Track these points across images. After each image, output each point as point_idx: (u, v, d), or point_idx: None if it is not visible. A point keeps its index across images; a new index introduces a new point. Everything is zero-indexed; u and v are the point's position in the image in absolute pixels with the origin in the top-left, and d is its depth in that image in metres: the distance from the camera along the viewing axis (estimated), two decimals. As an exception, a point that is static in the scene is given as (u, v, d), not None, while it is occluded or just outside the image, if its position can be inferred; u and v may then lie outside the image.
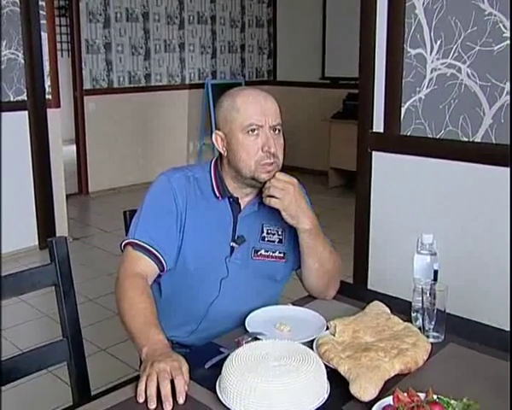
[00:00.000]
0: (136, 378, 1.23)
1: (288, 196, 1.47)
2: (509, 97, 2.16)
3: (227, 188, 1.58)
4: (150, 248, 1.50)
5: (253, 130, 1.49)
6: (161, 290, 1.62)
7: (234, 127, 1.51)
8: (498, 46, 2.16)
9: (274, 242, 1.60)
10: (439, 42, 2.31)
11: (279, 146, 1.52)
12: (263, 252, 1.59)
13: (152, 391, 1.15)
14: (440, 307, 1.39)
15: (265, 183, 1.50)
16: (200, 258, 1.55)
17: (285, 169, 1.57)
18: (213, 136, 1.57)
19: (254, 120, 1.49)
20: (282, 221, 1.54)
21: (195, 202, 1.56)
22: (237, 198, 1.58)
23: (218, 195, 1.57)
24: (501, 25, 2.14)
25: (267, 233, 1.60)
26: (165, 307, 1.61)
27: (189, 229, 1.55)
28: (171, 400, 1.14)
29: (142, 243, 1.50)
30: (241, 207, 1.59)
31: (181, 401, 1.15)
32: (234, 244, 1.57)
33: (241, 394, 1.11)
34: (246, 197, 1.59)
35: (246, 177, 1.53)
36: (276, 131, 1.52)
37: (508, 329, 1.54)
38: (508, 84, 2.15)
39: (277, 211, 1.52)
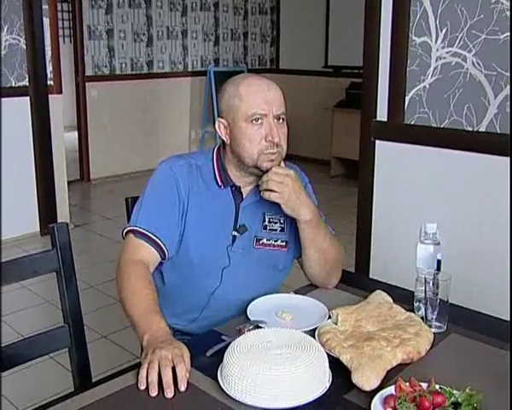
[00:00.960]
0: (138, 365, 1.23)
1: (286, 188, 1.45)
2: (514, 87, 2.14)
3: (229, 176, 1.57)
4: (151, 236, 1.50)
5: (256, 119, 1.48)
6: (163, 278, 1.62)
7: (237, 116, 1.49)
8: (504, 35, 2.14)
9: (276, 230, 1.59)
10: (444, 30, 2.29)
11: (283, 135, 1.51)
12: (265, 241, 1.59)
13: (153, 378, 1.15)
14: (443, 297, 1.39)
15: (263, 175, 1.49)
16: (202, 247, 1.55)
17: (287, 158, 1.57)
18: (216, 123, 1.56)
19: (258, 109, 1.47)
20: None
21: (198, 190, 1.55)
22: (239, 187, 1.57)
23: (220, 183, 1.56)
24: (508, 13, 2.12)
25: (269, 222, 1.59)
26: (167, 295, 1.60)
27: (190, 217, 1.54)
28: (172, 387, 1.14)
29: (144, 231, 1.50)
30: (243, 195, 1.58)
31: (182, 388, 1.15)
32: (236, 233, 1.56)
33: (243, 382, 1.11)
34: (248, 186, 1.58)
35: (248, 165, 1.52)
36: (280, 120, 1.51)
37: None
38: (513, 73, 2.13)
39: None
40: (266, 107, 1.47)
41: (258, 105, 1.47)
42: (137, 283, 1.42)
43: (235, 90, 1.50)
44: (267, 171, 1.50)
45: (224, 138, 1.55)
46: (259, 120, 1.48)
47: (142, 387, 1.16)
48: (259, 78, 1.54)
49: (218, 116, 1.56)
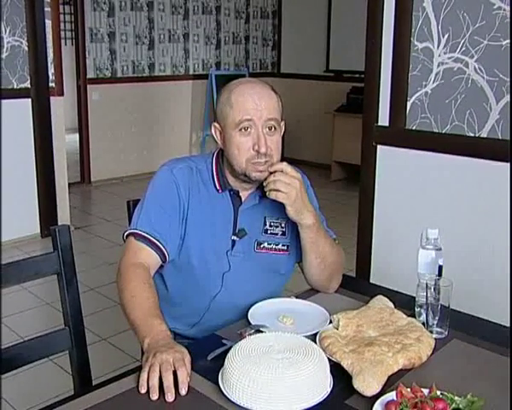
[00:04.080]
0: (138, 368, 1.23)
1: (294, 190, 1.44)
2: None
3: (227, 181, 1.56)
4: (152, 239, 1.49)
5: (245, 128, 1.46)
6: (165, 282, 1.61)
7: (227, 123, 1.49)
8: (506, 41, 2.14)
9: (277, 234, 1.59)
10: (446, 36, 2.29)
11: (273, 144, 1.48)
12: (266, 245, 1.58)
13: (154, 382, 1.15)
14: (444, 303, 1.39)
15: (269, 175, 1.47)
16: (203, 251, 1.55)
17: (288, 162, 1.55)
18: (212, 127, 1.56)
19: (246, 116, 1.45)
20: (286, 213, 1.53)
21: (198, 194, 1.55)
22: (237, 191, 1.57)
23: (218, 187, 1.56)
24: (509, 19, 2.12)
25: (270, 226, 1.59)
26: (168, 299, 1.60)
27: (191, 221, 1.54)
28: (173, 391, 1.14)
29: (144, 234, 1.50)
30: (242, 199, 1.57)
31: (183, 392, 1.15)
32: (235, 238, 1.56)
33: (244, 386, 1.11)
34: (246, 190, 1.57)
35: (238, 173, 1.51)
36: (272, 129, 1.48)
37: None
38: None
39: (280, 203, 1.50)
40: (254, 114, 1.45)
41: (246, 112, 1.46)
42: (138, 286, 1.42)
43: (227, 97, 1.49)
44: (257, 181, 1.50)
45: (219, 142, 1.55)
46: (248, 129, 1.46)
47: (143, 390, 1.16)
48: (253, 85, 1.51)
49: (214, 120, 1.56)
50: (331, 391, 1.15)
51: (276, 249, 1.59)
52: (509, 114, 2.17)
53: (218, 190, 1.56)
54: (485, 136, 2.24)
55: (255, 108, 1.45)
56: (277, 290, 1.65)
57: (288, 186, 1.44)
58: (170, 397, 1.13)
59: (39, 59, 4.34)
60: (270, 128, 1.48)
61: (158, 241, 1.50)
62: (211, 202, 1.56)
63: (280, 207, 1.53)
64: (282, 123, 1.56)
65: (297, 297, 1.61)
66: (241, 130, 1.47)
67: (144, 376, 1.17)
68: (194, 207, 1.54)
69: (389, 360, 1.22)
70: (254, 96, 1.47)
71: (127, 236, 1.54)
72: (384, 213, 2.61)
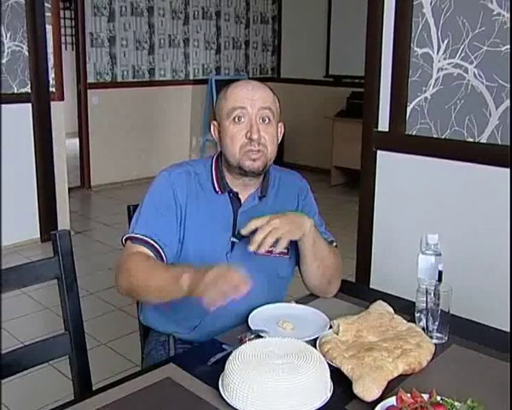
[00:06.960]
0: (138, 373, 1.23)
1: (280, 229, 1.42)
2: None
3: (227, 182, 1.57)
4: (149, 240, 1.50)
5: (238, 117, 1.49)
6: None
7: (222, 115, 1.53)
8: (506, 47, 2.15)
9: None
10: (446, 41, 2.30)
11: (267, 135, 1.50)
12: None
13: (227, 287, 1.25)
14: (444, 308, 1.39)
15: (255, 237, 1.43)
16: (202, 254, 1.54)
17: (288, 167, 1.56)
18: (211, 126, 1.59)
19: (238, 104, 1.49)
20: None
21: (196, 197, 1.55)
22: (237, 193, 1.57)
23: (217, 189, 1.57)
24: (509, 25, 2.13)
25: None
26: (168, 303, 1.60)
27: (189, 225, 1.54)
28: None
29: (142, 237, 1.50)
30: (242, 201, 1.58)
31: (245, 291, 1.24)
32: (234, 239, 1.56)
33: (244, 391, 1.11)
34: (245, 192, 1.58)
35: (233, 166, 1.53)
36: (266, 120, 1.50)
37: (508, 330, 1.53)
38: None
39: (280, 204, 1.51)
40: (248, 102, 1.49)
41: (239, 100, 1.49)
42: (144, 261, 1.44)
43: (223, 92, 1.54)
44: (251, 172, 1.50)
45: (216, 139, 1.58)
46: (241, 118, 1.49)
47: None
48: (250, 81, 1.57)
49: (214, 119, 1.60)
50: (331, 396, 1.14)
51: (276, 252, 1.59)
52: (508, 120, 2.18)
53: (217, 192, 1.57)
54: (484, 141, 2.25)
55: (249, 96, 1.49)
56: (279, 295, 1.65)
57: (274, 230, 1.41)
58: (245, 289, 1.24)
59: (40, 64, 4.35)
60: (263, 119, 1.50)
61: (156, 243, 1.50)
62: (210, 205, 1.56)
63: (280, 208, 1.52)
64: (281, 124, 1.59)
65: (297, 302, 1.61)
66: (234, 119, 1.49)
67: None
68: (192, 211, 1.54)
69: (389, 366, 1.22)
70: (249, 87, 1.51)
71: (125, 240, 1.54)
72: (384, 218, 2.62)
